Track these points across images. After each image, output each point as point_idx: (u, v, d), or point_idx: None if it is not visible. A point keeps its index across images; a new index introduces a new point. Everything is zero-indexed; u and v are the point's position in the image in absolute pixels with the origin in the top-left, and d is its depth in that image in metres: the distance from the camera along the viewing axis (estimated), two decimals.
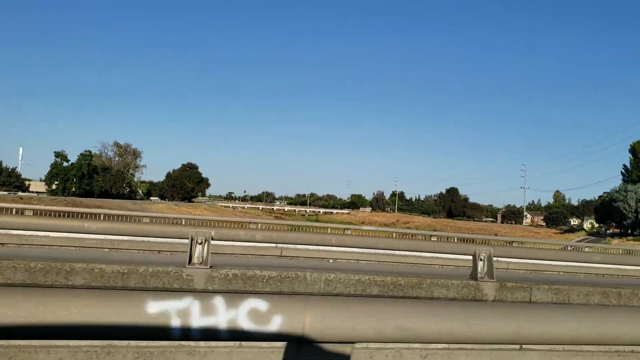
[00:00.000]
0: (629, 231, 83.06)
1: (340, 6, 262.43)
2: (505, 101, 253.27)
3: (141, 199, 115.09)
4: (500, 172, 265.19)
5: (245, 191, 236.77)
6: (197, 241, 6.49)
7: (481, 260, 7.66)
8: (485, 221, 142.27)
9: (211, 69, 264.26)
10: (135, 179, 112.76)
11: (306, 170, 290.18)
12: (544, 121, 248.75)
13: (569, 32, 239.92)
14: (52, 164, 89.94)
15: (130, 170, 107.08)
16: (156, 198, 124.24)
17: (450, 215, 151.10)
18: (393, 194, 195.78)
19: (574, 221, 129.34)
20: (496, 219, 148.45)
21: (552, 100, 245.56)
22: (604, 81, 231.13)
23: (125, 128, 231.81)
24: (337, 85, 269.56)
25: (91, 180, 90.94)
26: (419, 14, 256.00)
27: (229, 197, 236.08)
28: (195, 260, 6.45)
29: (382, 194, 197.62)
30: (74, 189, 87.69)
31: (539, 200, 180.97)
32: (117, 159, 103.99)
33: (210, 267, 6.42)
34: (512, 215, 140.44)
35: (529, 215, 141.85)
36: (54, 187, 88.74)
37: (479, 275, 7.55)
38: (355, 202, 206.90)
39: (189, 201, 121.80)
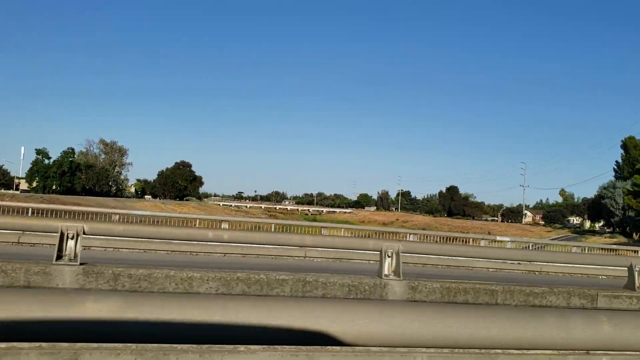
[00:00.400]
0: (619, 229, 79.33)
1: (340, 7, 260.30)
2: (505, 101, 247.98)
3: (132, 197, 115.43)
4: (501, 172, 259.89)
5: (255, 191, 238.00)
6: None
7: None
8: (486, 220, 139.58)
9: (211, 69, 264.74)
10: (122, 177, 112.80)
11: (315, 170, 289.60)
12: (543, 121, 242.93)
13: (569, 32, 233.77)
14: (32, 162, 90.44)
15: (117, 167, 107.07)
16: (149, 196, 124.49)
17: (450, 214, 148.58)
18: (399, 193, 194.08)
19: (576, 220, 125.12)
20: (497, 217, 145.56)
21: (552, 100, 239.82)
22: (604, 81, 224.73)
23: (126, 128, 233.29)
24: (337, 85, 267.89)
25: (73, 177, 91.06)
26: (419, 15, 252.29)
27: (239, 197, 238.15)
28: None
29: (387, 193, 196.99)
30: (54, 187, 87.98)
31: (547, 199, 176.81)
32: (103, 156, 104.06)
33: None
34: (512, 213, 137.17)
35: (529, 214, 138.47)
36: (34, 184, 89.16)
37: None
38: (361, 202, 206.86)
39: (180, 199, 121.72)
